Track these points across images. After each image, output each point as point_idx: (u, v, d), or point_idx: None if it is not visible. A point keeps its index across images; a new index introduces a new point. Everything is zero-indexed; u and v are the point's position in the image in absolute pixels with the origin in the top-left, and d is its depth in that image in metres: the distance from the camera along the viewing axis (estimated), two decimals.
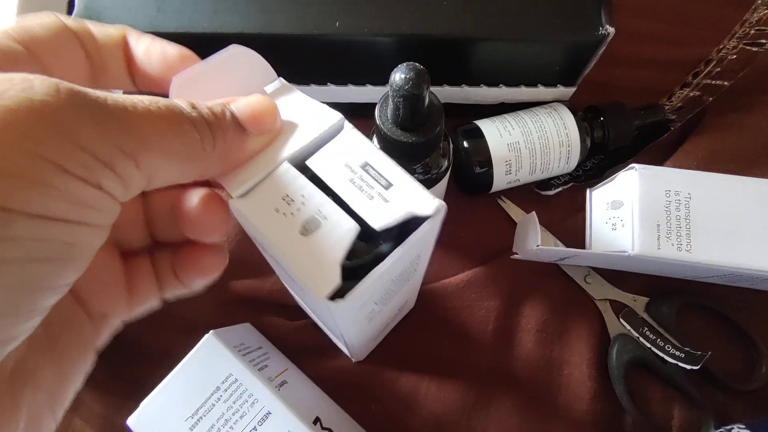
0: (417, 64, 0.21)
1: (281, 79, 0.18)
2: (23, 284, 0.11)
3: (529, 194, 0.35)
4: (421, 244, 0.17)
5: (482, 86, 0.32)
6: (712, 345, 0.30)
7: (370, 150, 0.16)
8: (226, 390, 0.23)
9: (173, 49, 0.17)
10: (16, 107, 0.10)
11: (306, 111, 0.17)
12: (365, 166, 0.16)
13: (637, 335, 0.30)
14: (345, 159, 0.16)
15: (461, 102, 0.33)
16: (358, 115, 0.30)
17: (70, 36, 0.15)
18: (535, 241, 0.28)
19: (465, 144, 0.31)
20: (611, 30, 0.27)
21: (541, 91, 0.32)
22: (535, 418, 0.29)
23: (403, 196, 0.16)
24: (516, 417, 0.29)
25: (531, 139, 0.31)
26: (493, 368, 0.30)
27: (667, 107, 0.35)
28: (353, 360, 0.30)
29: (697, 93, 0.35)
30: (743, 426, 0.27)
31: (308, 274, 0.14)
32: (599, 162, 0.34)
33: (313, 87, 0.32)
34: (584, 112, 0.33)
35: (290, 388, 0.26)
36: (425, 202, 0.16)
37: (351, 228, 0.15)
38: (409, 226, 0.16)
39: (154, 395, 0.23)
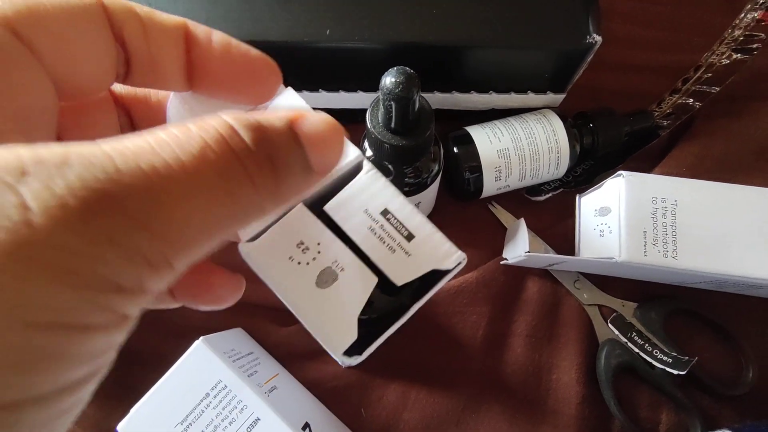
0: (407, 68, 0.22)
1: (290, 89, 0.16)
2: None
3: (519, 199, 0.35)
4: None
5: (472, 93, 0.32)
6: (700, 350, 0.30)
7: (390, 195, 0.15)
8: (215, 396, 0.24)
9: (256, 51, 0.14)
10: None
11: None
12: (386, 214, 0.15)
13: (626, 340, 0.30)
14: (364, 204, 0.15)
15: (452, 108, 0.34)
16: (350, 120, 0.30)
17: (95, 14, 0.12)
18: (523, 247, 0.28)
19: (455, 150, 0.32)
20: (598, 39, 0.28)
21: (530, 98, 0.33)
22: (524, 423, 0.29)
23: (425, 249, 0.15)
24: (505, 421, 0.29)
25: (521, 145, 0.31)
26: (482, 373, 0.30)
27: (656, 113, 0.35)
28: (343, 365, 0.30)
29: (687, 99, 0.35)
30: (730, 431, 0.27)
31: (324, 329, 0.14)
32: (589, 167, 0.35)
33: (305, 93, 0.32)
34: (574, 119, 0.34)
35: (280, 393, 0.26)
36: (447, 255, 0.15)
37: (369, 281, 0.14)
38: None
39: (144, 401, 0.23)
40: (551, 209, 0.34)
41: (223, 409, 0.23)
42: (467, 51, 0.29)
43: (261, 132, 0.10)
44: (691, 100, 0.35)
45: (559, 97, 0.33)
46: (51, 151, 0.08)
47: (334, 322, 0.14)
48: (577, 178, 0.34)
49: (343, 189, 0.15)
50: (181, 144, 0.09)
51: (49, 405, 0.08)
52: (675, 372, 0.28)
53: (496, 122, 0.32)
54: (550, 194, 0.34)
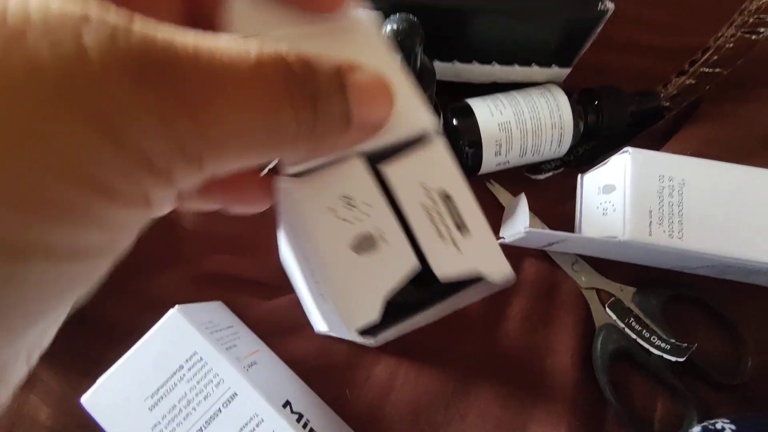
0: (410, 14, 0.20)
1: (373, 16, 0.14)
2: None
3: (518, 178, 0.33)
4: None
5: (474, 63, 0.31)
6: (699, 337, 0.29)
7: (454, 178, 0.14)
8: (189, 369, 0.22)
9: None
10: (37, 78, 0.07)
11: (397, 92, 0.14)
12: (444, 196, 0.14)
13: (623, 326, 0.29)
14: (424, 178, 0.14)
15: (452, 80, 0.32)
16: None
17: None
18: (524, 222, 0.27)
19: (454, 122, 0.30)
20: (611, 6, 0.26)
21: (534, 71, 0.31)
22: (516, 407, 0.28)
23: (476, 249, 0.13)
24: (497, 405, 0.28)
25: (523, 119, 0.30)
26: (475, 355, 0.29)
27: (662, 94, 0.34)
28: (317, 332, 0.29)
29: (693, 81, 0.34)
30: (728, 421, 0.26)
31: (345, 298, 0.13)
32: (592, 147, 0.33)
33: None
34: (579, 95, 0.32)
35: (260, 369, 0.24)
36: (497, 264, 0.13)
37: (410, 266, 0.13)
38: None
39: (112, 373, 0.22)
40: (551, 189, 0.33)
41: (198, 382, 0.22)
42: (471, 15, 0.27)
43: (309, 69, 0.10)
44: (698, 82, 0.34)
45: (564, 72, 0.32)
46: (117, 11, 0.08)
47: (358, 295, 0.12)
48: (579, 158, 0.33)
49: (407, 156, 0.14)
50: (240, 54, 0.09)
51: (57, 262, 0.08)
52: (673, 359, 0.27)
53: (498, 95, 0.31)
54: (550, 173, 0.33)
